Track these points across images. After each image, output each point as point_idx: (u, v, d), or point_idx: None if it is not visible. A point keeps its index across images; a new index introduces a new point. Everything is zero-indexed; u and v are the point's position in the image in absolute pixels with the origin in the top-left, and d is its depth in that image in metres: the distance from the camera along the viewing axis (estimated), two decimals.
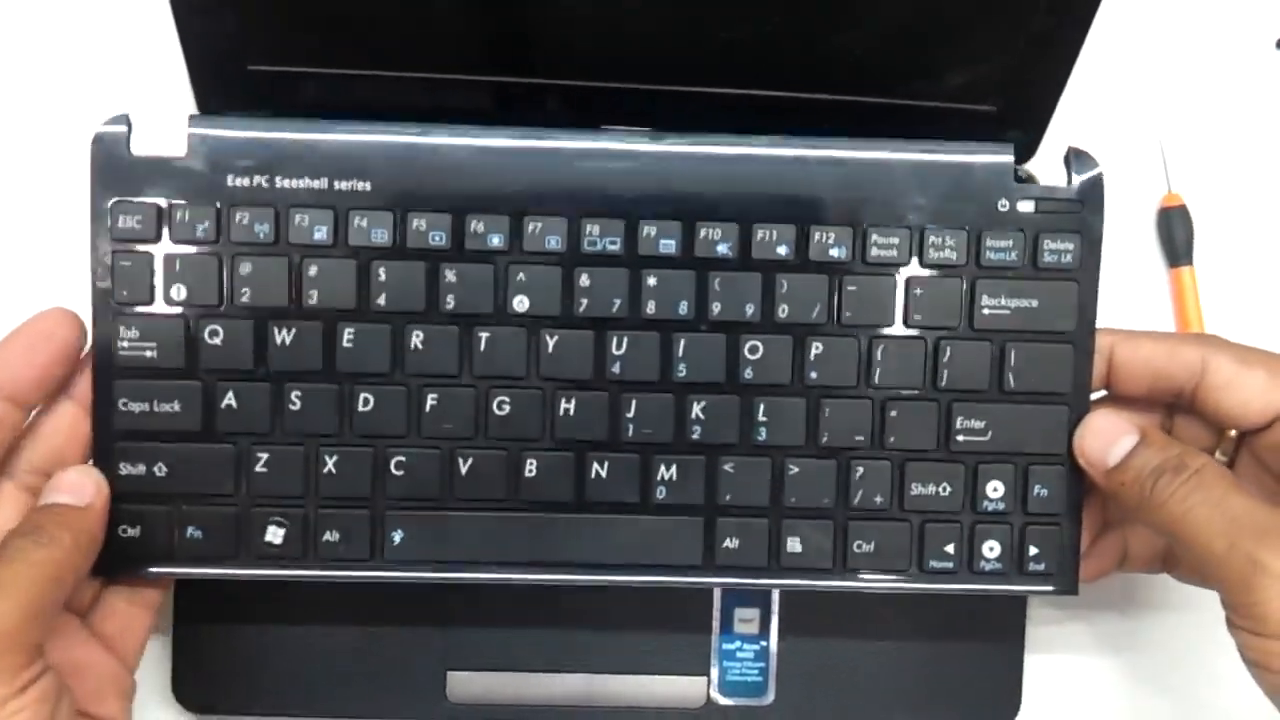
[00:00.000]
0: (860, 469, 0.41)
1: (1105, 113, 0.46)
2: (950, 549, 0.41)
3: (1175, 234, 0.47)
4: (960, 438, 0.41)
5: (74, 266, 0.39)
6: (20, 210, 0.45)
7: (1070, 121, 0.42)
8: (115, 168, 0.39)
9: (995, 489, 0.41)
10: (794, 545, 0.41)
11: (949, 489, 0.41)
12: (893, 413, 0.40)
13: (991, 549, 0.41)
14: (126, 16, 0.45)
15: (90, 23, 0.45)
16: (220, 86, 0.40)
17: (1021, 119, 0.41)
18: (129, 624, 0.40)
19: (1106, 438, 0.39)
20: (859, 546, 0.41)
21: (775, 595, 0.45)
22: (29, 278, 0.44)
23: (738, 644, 0.44)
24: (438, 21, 0.39)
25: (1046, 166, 0.42)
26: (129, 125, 0.39)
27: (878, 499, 0.41)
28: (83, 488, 0.37)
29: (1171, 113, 0.47)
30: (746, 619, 0.44)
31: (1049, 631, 0.47)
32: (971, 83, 0.41)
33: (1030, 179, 0.42)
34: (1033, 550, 0.41)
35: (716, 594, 0.45)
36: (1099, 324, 0.41)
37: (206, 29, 0.39)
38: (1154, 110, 0.47)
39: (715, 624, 0.44)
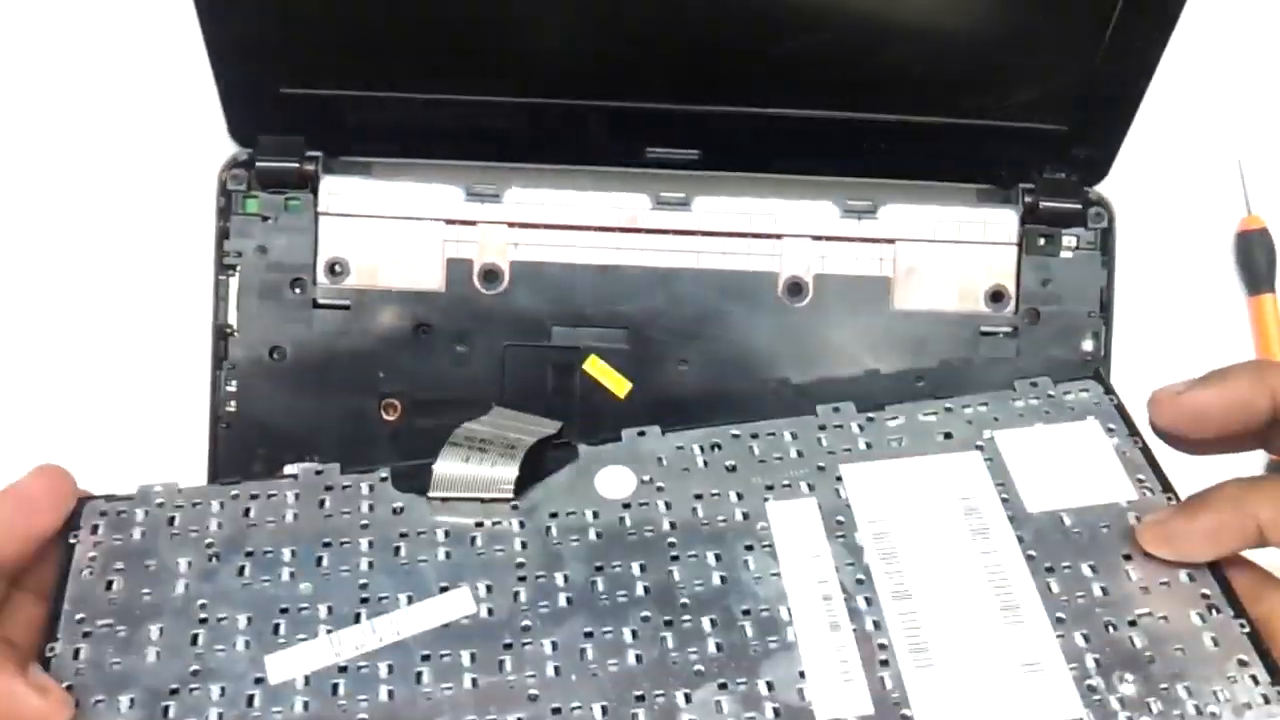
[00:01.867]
0: None
1: (1180, 130, 0.44)
2: None
3: (1255, 259, 0.45)
4: None
5: None
6: None
7: (1144, 140, 0.40)
8: None
9: None
10: None
11: None
12: None
13: None
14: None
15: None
16: (252, 110, 0.39)
17: (1093, 138, 0.39)
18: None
19: None
20: None
21: None
22: None
23: None
24: (474, 42, 0.38)
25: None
26: None
27: None
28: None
29: (1250, 129, 0.45)
30: None
31: None
32: (1041, 100, 0.39)
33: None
34: None
35: None
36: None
37: (237, 52, 0.38)
38: (1232, 127, 0.45)
39: None
